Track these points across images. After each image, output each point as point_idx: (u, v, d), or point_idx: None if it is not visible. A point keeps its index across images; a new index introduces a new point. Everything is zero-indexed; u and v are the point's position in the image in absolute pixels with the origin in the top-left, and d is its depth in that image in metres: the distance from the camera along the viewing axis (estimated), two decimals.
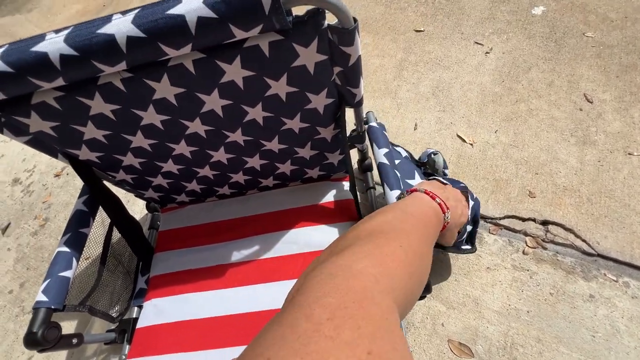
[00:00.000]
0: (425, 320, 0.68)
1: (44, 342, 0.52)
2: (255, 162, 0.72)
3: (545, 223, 0.74)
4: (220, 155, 0.68)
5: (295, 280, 0.79)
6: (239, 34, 0.41)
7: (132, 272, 0.82)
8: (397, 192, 0.56)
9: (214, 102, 0.54)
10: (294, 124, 0.62)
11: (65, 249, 0.60)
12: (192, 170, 0.72)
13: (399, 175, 0.60)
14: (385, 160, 0.61)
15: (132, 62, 0.43)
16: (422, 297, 0.52)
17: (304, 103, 0.57)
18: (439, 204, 0.42)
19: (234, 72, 0.49)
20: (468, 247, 0.68)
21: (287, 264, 0.73)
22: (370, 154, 0.80)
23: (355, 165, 0.87)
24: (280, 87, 0.53)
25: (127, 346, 0.71)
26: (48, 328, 0.53)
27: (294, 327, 0.18)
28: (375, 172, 0.84)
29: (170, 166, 0.70)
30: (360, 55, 0.50)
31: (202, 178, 0.76)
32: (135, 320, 0.75)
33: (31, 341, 0.52)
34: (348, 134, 0.71)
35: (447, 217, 0.43)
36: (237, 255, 0.77)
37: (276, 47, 0.46)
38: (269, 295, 0.70)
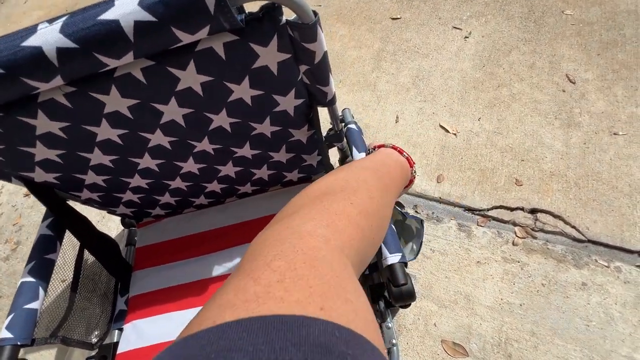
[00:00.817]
0: (417, 321, 0.66)
1: None
2: (229, 170, 0.68)
3: (533, 211, 0.72)
4: (190, 166, 0.64)
5: None
6: (185, 37, 0.37)
7: (111, 293, 0.78)
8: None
9: (173, 111, 0.50)
10: (265, 127, 0.58)
11: (30, 278, 0.56)
12: (163, 183, 0.68)
13: None
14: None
15: (69, 76, 0.38)
16: (405, 306, 0.50)
17: (272, 105, 0.53)
18: (407, 157, 0.43)
19: (190, 78, 0.45)
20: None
21: None
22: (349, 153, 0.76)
23: (336, 164, 0.84)
24: (243, 91, 0.49)
25: None
26: None
27: (243, 292, 0.17)
28: None
29: (137, 181, 0.66)
30: (326, 52, 0.46)
31: (174, 190, 0.72)
32: (116, 344, 0.71)
33: None
34: (325, 133, 0.68)
35: (414, 172, 0.44)
36: (218, 269, 0.74)
37: (232, 48, 0.42)
38: None
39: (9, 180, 0.58)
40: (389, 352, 0.60)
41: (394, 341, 0.60)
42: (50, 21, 0.35)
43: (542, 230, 0.70)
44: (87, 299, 0.72)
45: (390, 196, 0.35)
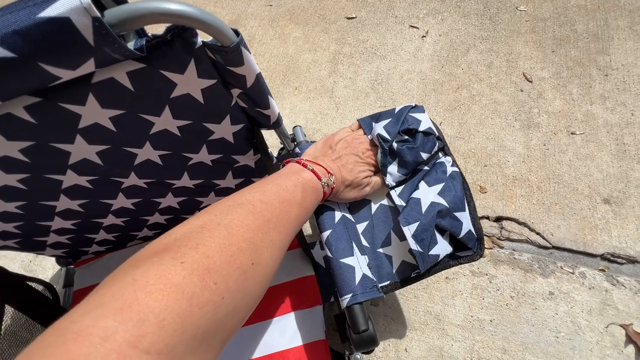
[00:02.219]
0: (388, 348, 0.62)
1: None
2: (170, 201, 0.60)
3: (499, 219, 0.70)
4: (122, 202, 0.56)
5: (244, 329, 0.65)
6: (65, 73, 0.29)
7: None
8: (327, 232, 0.48)
9: (82, 150, 0.42)
10: (203, 156, 0.51)
11: None
12: (93, 222, 0.59)
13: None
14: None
15: None
16: (368, 352, 0.46)
17: (206, 134, 0.46)
18: (312, 170, 0.40)
19: (94, 113, 0.37)
20: (468, 252, 0.46)
21: None
22: None
23: None
24: (166, 122, 0.42)
25: None
26: None
27: None
28: None
29: (60, 223, 0.56)
30: (259, 74, 0.40)
31: (109, 227, 0.63)
32: None
33: None
34: (276, 153, 0.62)
35: (333, 181, 0.41)
36: None
37: (139, 77, 0.34)
38: None
39: None
40: None
41: None
42: None
43: (508, 239, 0.68)
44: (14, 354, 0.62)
45: (275, 232, 0.30)
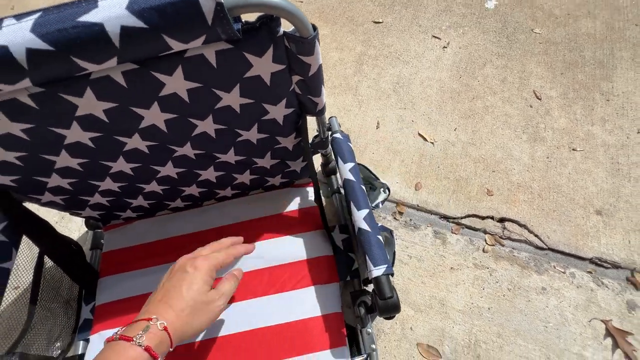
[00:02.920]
0: (395, 325, 0.68)
1: None
2: (209, 174, 0.65)
3: (502, 220, 0.77)
4: (169, 170, 0.61)
5: (265, 298, 0.71)
6: (177, 45, 0.34)
7: (74, 301, 0.72)
8: (365, 212, 0.54)
9: (154, 116, 0.47)
10: (251, 135, 0.56)
11: None
12: (137, 187, 0.64)
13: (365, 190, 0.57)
14: (351, 177, 0.58)
15: (39, 79, 0.34)
16: (390, 317, 0.51)
17: (261, 114, 0.52)
18: (146, 347, 0.38)
19: (176, 84, 0.42)
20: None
21: (253, 280, 0.68)
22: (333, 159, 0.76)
23: (318, 168, 0.84)
24: (232, 99, 0.47)
25: None
26: None
27: None
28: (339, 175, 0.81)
29: (108, 184, 0.61)
30: (321, 65, 0.45)
31: (149, 194, 0.67)
32: (82, 356, 0.66)
33: None
34: (310, 140, 0.67)
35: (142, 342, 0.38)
36: None
37: (225, 56, 0.40)
38: (234, 317, 0.65)
39: None
40: (369, 356, 0.62)
41: (373, 346, 0.61)
42: (18, 17, 0.31)
43: (509, 238, 0.75)
44: (48, 308, 0.66)
45: None
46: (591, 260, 0.71)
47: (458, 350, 0.65)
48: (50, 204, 0.63)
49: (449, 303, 0.69)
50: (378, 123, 0.92)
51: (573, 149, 0.84)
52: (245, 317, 0.65)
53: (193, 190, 0.70)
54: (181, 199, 0.73)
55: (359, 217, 0.53)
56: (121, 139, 0.50)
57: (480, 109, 0.92)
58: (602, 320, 0.65)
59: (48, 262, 0.65)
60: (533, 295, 0.69)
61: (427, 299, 0.70)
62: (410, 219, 0.79)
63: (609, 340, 0.64)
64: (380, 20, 1.10)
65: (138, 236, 0.77)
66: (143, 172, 0.59)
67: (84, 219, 0.79)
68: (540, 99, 0.92)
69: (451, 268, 0.73)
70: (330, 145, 0.67)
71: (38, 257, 0.63)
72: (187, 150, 0.56)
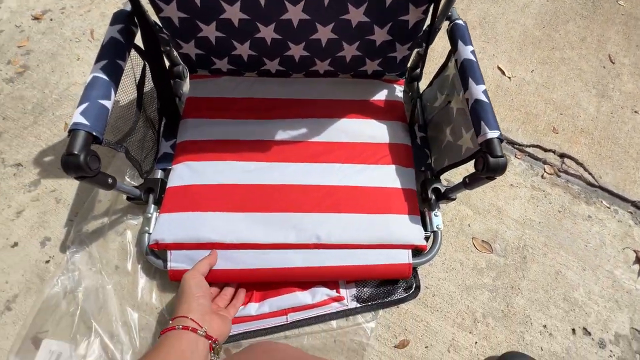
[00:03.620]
0: (454, 220, 0.74)
1: (86, 168, 0.44)
2: (324, 34, 0.66)
3: (562, 155, 0.83)
4: (295, 13, 0.61)
5: (347, 165, 0.74)
6: None
7: (156, 132, 0.73)
8: (483, 87, 0.56)
9: None
10: None
11: (103, 75, 0.50)
12: (254, 26, 0.64)
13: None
14: (472, 57, 0.60)
15: None
16: (492, 177, 0.54)
17: None
18: (206, 335, 0.44)
19: None
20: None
21: (338, 150, 0.71)
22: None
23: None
24: None
25: (152, 206, 0.66)
26: (89, 155, 0.45)
27: None
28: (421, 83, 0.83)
29: (232, 12, 0.60)
30: None
31: (258, 40, 0.67)
32: (163, 181, 0.68)
33: (73, 164, 0.44)
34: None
35: (217, 352, 0.45)
36: (280, 134, 0.73)
37: None
38: (317, 174, 0.68)
39: None
40: (434, 234, 0.67)
41: (440, 226, 0.67)
42: None
43: (565, 172, 0.82)
44: (147, 118, 0.68)
45: None
46: (633, 203, 0.79)
47: (507, 250, 0.72)
48: (166, 21, 0.63)
49: (505, 212, 0.76)
50: None
51: (635, 112, 0.90)
52: (330, 175, 0.68)
53: (297, 51, 0.70)
54: (279, 61, 0.74)
55: (479, 90, 0.56)
56: None
57: (558, 59, 0.96)
58: (634, 250, 0.74)
59: (147, 84, 0.66)
60: (579, 220, 0.76)
61: (486, 205, 0.76)
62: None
63: (637, 266, 0.73)
64: None
65: (224, 90, 0.78)
66: (272, 5, 0.59)
67: (168, 65, 0.78)
68: (613, 63, 0.96)
69: (511, 185, 0.79)
70: (449, 35, 0.67)
71: (142, 69, 0.64)
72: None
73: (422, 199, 0.70)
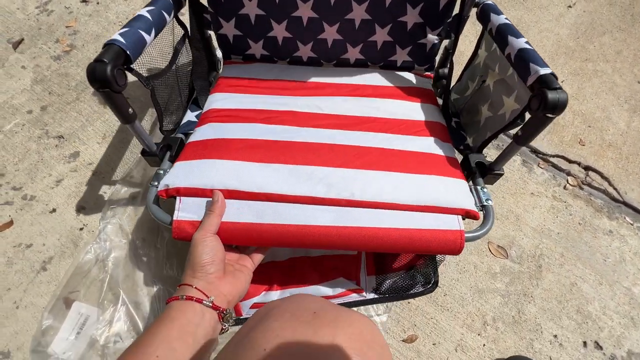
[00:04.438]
0: (472, 222, 0.75)
1: (112, 78, 0.44)
2: (358, 13, 0.67)
3: (587, 168, 0.82)
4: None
5: (383, 134, 0.68)
6: None
7: (185, 99, 0.74)
8: (524, 39, 0.53)
9: None
10: None
11: (148, 15, 0.53)
12: (292, 2, 0.66)
13: None
14: (508, 21, 0.57)
15: None
16: (550, 119, 0.47)
17: None
18: (213, 305, 0.41)
19: None
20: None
21: (372, 122, 0.67)
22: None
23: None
24: None
25: (168, 163, 0.61)
26: (117, 67, 0.45)
27: None
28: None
29: None
30: None
31: (294, 20, 0.68)
32: (182, 141, 0.65)
33: (100, 71, 0.43)
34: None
35: (230, 318, 0.42)
36: (310, 107, 0.71)
37: None
38: (349, 138, 0.64)
39: None
40: (484, 207, 0.57)
41: (490, 201, 0.58)
42: None
43: (589, 185, 0.81)
44: (173, 84, 0.68)
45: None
46: None
47: (523, 257, 0.72)
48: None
49: (524, 219, 0.76)
50: None
51: None
52: (364, 140, 0.64)
53: (330, 34, 0.71)
54: (312, 45, 0.74)
55: (521, 41, 0.53)
56: None
57: (590, 71, 0.94)
58: None
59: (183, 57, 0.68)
60: (600, 234, 0.75)
61: (505, 211, 0.76)
62: (503, 144, 0.83)
63: None
64: None
65: (258, 72, 0.79)
66: None
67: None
68: None
69: (531, 193, 0.79)
70: (478, 15, 0.66)
71: (181, 38, 0.67)
72: None
73: (466, 176, 0.61)
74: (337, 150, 0.60)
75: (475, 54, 0.69)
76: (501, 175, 0.59)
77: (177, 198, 0.53)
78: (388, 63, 0.79)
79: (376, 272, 0.65)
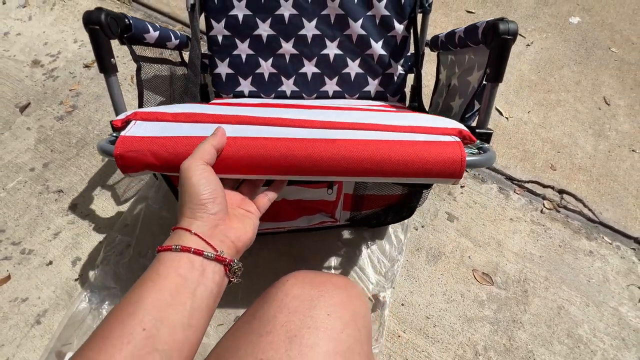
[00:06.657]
0: (455, 252, 0.77)
1: (105, 23, 0.49)
2: (331, 49, 0.76)
3: (561, 192, 0.86)
4: (309, 29, 0.75)
5: (366, 112, 0.73)
6: None
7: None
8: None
9: None
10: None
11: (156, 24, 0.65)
12: (277, 42, 0.76)
13: None
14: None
15: None
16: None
17: None
18: (217, 257, 0.31)
19: None
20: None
21: (359, 124, 0.68)
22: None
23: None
24: None
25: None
26: (110, 16, 0.50)
27: None
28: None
29: (263, 28, 0.75)
30: None
31: (278, 57, 0.78)
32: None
33: (95, 14, 0.49)
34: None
35: (237, 270, 0.33)
36: (297, 115, 0.78)
37: None
38: (330, 115, 0.64)
39: None
40: (482, 149, 0.46)
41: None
42: None
43: (565, 208, 0.84)
44: (163, 77, 0.73)
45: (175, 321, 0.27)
46: (636, 240, 0.80)
47: (508, 283, 0.74)
48: (212, 38, 0.76)
49: (505, 245, 0.78)
50: None
51: (633, 150, 0.93)
52: (346, 115, 0.63)
53: (309, 69, 0.79)
54: (294, 79, 0.81)
55: (463, 27, 0.59)
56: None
57: (554, 101, 1.02)
58: (639, 287, 0.74)
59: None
60: (581, 255, 0.78)
61: (486, 237, 0.79)
62: (479, 174, 0.88)
63: None
64: (473, 11, 1.21)
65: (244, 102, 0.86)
66: (295, 21, 0.74)
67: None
68: (609, 105, 1.01)
69: (510, 219, 0.82)
70: (431, 48, 0.76)
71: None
72: (333, 9, 0.71)
73: None
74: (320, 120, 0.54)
75: (437, 79, 0.76)
76: (491, 133, 0.51)
77: (132, 122, 0.43)
78: (363, 94, 0.86)
79: (352, 209, 0.66)
